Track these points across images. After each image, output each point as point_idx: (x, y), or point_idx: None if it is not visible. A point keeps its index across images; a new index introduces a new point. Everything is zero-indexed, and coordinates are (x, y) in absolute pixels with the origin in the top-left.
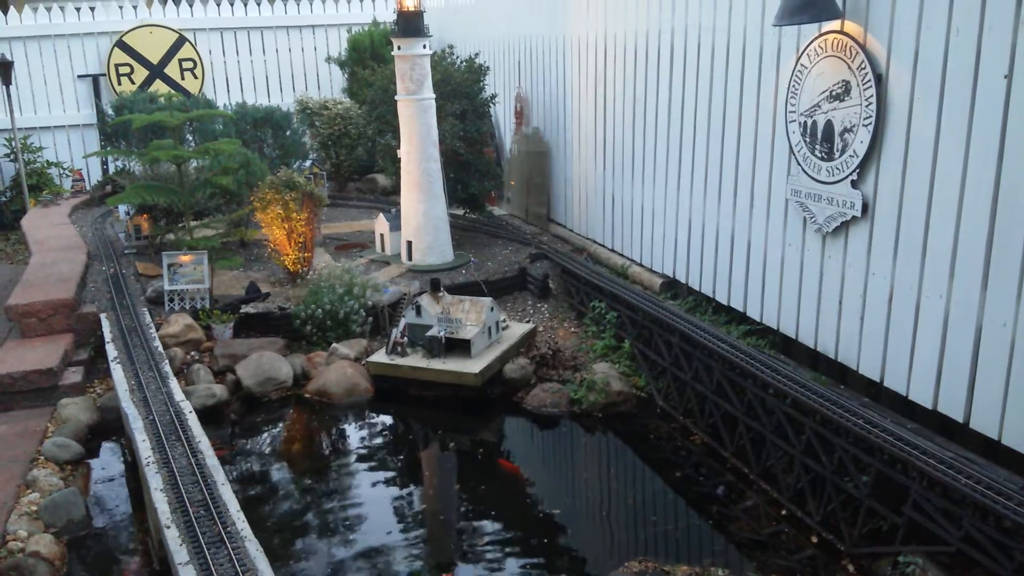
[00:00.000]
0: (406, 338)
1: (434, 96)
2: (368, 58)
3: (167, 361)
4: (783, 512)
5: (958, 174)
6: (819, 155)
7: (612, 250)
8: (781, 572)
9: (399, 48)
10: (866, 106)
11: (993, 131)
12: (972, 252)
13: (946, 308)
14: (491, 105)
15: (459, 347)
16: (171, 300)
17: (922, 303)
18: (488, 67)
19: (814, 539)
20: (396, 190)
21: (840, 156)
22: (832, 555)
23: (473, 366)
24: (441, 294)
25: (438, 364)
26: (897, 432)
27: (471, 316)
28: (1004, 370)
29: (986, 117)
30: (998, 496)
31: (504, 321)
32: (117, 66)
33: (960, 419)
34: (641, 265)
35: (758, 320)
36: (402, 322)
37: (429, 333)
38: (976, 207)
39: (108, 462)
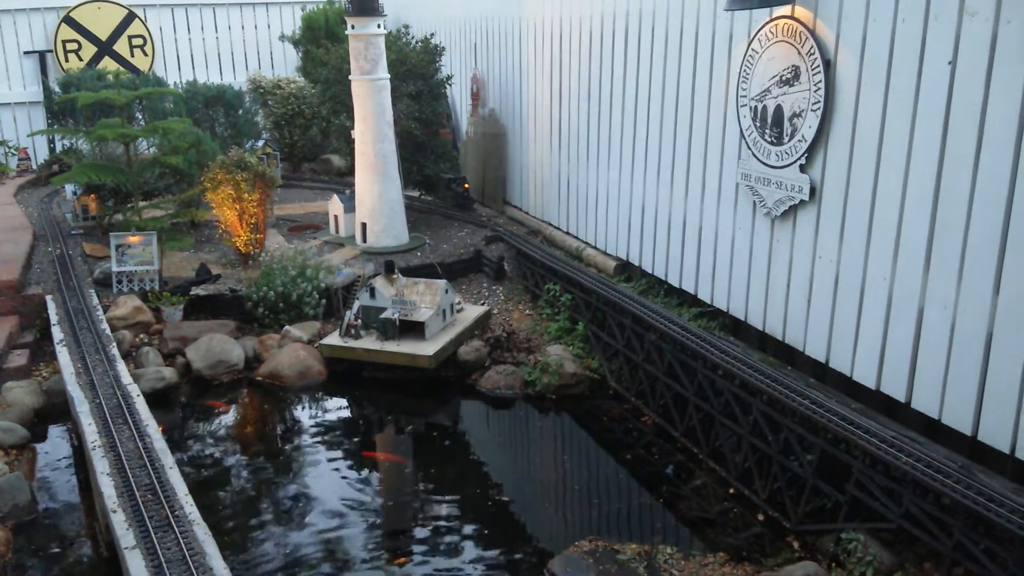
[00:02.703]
0: (360, 320)
1: (389, 76)
2: (322, 37)
3: (115, 344)
4: (731, 491)
5: (903, 159)
6: (769, 139)
7: (567, 233)
8: (728, 549)
9: (353, 27)
10: (815, 91)
11: (937, 116)
12: (915, 236)
13: (889, 291)
14: (447, 86)
15: (413, 329)
16: (119, 282)
17: (867, 286)
18: (444, 48)
19: (760, 517)
20: (351, 171)
21: (789, 141)
22: (778, 532)
23: (427, 348)
24: (395, 276)
25: (392, 346)
26: (841, 412)
27: (426, 298)
28: (945, 351)
29: (930, 102)
30: (937, 474)
31: (459, 303)
32: (64, 42)
33: (902, 399)
34: (595, 248)
35: (709, 302)
36: (356, 304)
37: (383, 315)
38: (919, 192)
39: (55, 446)
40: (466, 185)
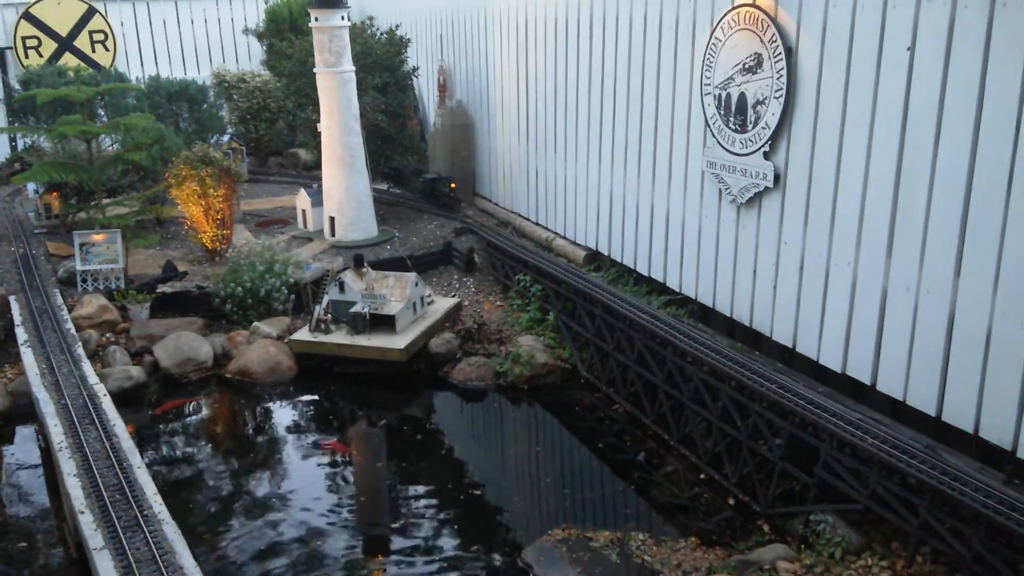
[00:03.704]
0: (330, 315)
1: (354, 69)
2: (287, 30)
3: (80, 343)
4: (701, 476)
5: (864, 144)
6: (733, 127)
7: (537, 223)
8: (700, 534)
9: (316, 19)
10: (777, 78)
11: (896, 101)
12: (877, 220)
13: (853, 275)
14: (414, 78)
15: (384, 323)
16: (84, 281)
17: (831, 271)
18: (409, 39)
19: (731, 501)
20: (318, 165)
21: (753, 128)
22: (748, 516)
23: (398, 342)
24: (365, 270)
25: (363, 340)
26: (808, 396)
27: (395, 292)
28: (908, 334)
29: (890, 88)
30: (903, 455)
31: (429, 296)
32: (24, 39)
33: (868, 382)
34: (565, 238)
35: (677, 290)
36: (325, 299)
37: (353, 309)
38: (881, 176)
39: (22, 448)
40: (452, 185)
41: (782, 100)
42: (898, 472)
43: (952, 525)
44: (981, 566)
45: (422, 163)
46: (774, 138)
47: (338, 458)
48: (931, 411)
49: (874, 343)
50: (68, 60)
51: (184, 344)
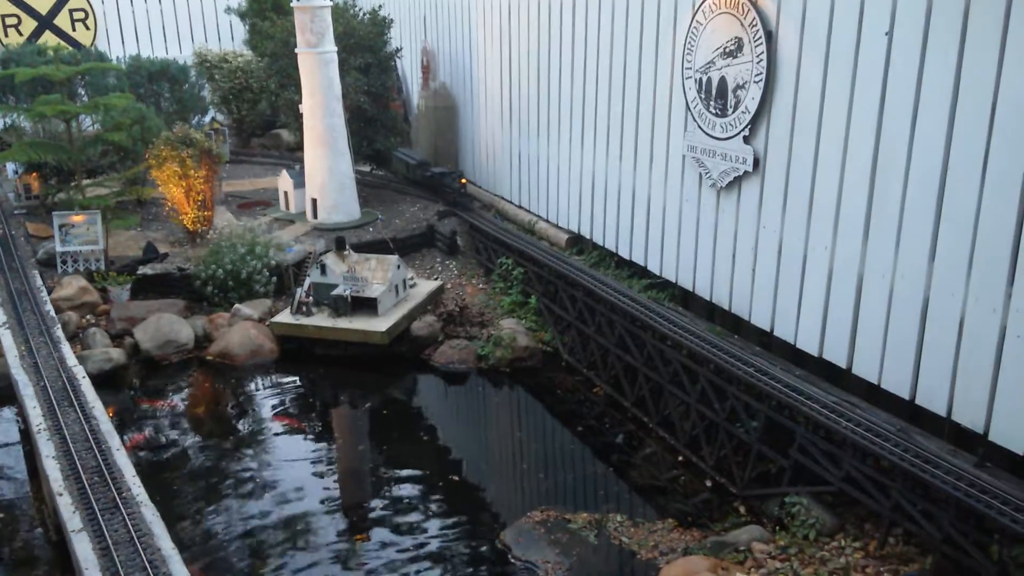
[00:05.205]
0: (311, 298)
1: (336, 49)
2: (269, 9)
3: (59, 325)
4: (680, 458)
5: (842, 129)
6: (713, 111)
7: (519, 207)
8: (677, 515)
9: None
10: (757, 63)
11: (874, 86)
12: (854, 205)
13: (830, 260)
14: (397, 59)
15: (366, 306)
16: (64, 262)
17: (809, 255)
18: (392, 20)
19: (708, 483)
20: (301, 146)
21: (733, 112)
22: (725, 498)
23: (380, 324)
24: (347, 252)
25: (344, 323)
26: (785, 379)
27: (377, 274)
28: (883, 318)
29: (868, 73)
30: (876, 437)
31: (411, 279)
32: (3, 17)
33: (844, 365)
34: (547, 221)
35: (658, 274)
36: (307, 281)
37: (335, 292)
38: (858, 162)
39: (1, 430)
40: (463, 180)
41: (762, 85)
42: (872, 455)
43: (924, 507)
44: (952, 548)
45: (405, 144)
46: (754, 122)
47: (319, 441)
48: (905, 395)
49: (850, 327)
50: (48, 39)
51: (165, 326)
